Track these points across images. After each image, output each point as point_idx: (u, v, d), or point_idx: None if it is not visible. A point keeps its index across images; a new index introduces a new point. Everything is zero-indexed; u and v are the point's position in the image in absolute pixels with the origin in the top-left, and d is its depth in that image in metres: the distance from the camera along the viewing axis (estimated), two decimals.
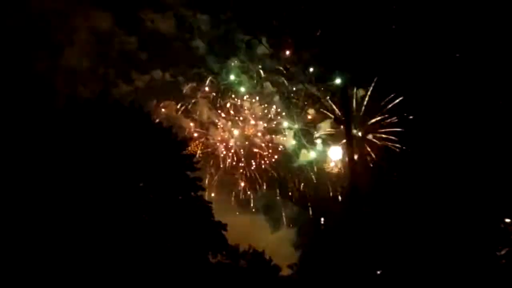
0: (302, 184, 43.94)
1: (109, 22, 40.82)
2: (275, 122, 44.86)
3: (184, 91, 43.72)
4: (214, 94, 44.18)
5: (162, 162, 28.73)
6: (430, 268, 32.53)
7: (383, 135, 41.23)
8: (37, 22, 35.18)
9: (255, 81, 44.76)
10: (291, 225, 41.89)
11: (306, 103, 44.83)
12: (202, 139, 43.52)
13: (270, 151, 44.42)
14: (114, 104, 27.29)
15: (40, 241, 23.79)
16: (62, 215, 24.73)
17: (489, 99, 34.64)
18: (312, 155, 44.03)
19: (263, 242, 37.00)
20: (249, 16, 42.03)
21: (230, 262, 33.58)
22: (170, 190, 29.36)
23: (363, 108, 42.40)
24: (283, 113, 44.99)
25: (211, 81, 43.95)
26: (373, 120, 42.31)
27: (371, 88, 41.99)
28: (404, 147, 39.81)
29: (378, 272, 35.11)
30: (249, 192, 43.82)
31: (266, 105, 45.19)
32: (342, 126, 43.16)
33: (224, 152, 44.12)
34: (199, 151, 42.41)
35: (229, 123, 44.56)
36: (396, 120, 40.87)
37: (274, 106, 45.10)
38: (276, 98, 44.90)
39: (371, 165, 41.20)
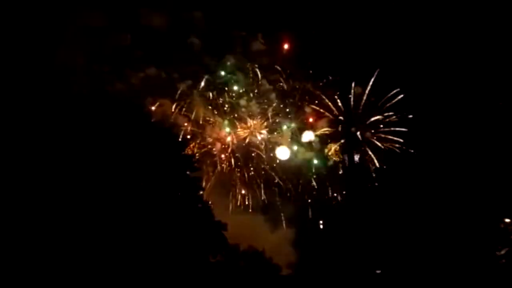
0: (301, 183, 43.78)
1: (102, 19, 40.14)
2: (271, 121, 44.62)
3: (180, 89, 43.23)
4: (210, 92, 43.85)
5: (162, 162, 28.61)
6: (430, 268, 32.60)
7: (382, 135, 41.07)
8: (28, 18, 34.59)
9: (251, 79, 44.48)
10: (290, 225, 41.73)
11: (303, 101, 44.60)
12: (199, 138, 43.12)
13: (268, 150, 44.22)
14: (113, 104, 27.04)
15: (39, 240, 23.58)
16: (61, 214, 24.55)
17: (489, 100, 34.64)
18: (310, 154, 43.87)
19: (262, 242, 36.87)
20: (244, 11, 41.60)
21: (230, 262, 33.47)
22: (170, 190, 29.25)
23: (362, 106, 42.20)
24: (280, 111, 44.76)
25: (207, 79, 43.58)
26: (373, 119, 42.13)
27: (369, 85, 41.77)
28: (404, 147, 39.79)
29: (378, 272, 35.25)
30: (247, 191, 43.61)
31: (262, 103, 44.82)
32: (340, 125, 43.41)
33: (221, 151, 43.89)
34: (196, 150, 42.14)
35: (226, 121, 44.31)
36: (396, 119, 40.77)
37: (271, 104, 44.78)
38: (273, 96, 44.64)
39: (371, 164, 41.13)
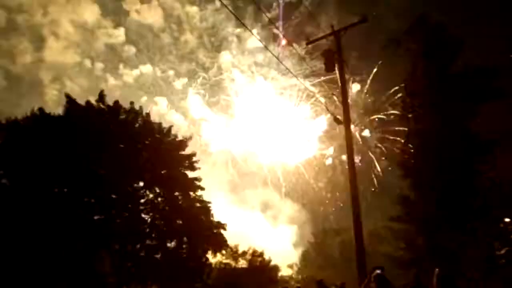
0: (300, 182, 43.79)
1: (94, 14, 39.66)
2: (269, 119, 44.50)
3: (175, 87, 43.02)
4: (206, 90, 43.69)
5: (162, 162, 28.66)
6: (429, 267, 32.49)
7: (382, 135, 41.02)
8: (18, 14, 34.27)
9: (247, 76, 44.33)
10: (289, 224, 41.83)
11: (300, 99, 44.42)
12: (196, 136, 42.84)
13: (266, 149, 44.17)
14: (113, 104, 27.05)
15: (40, 241, 23.72)
16: (61, 214, 24.72)
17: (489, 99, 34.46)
18: (308, 153, 43.81)
19: (262, 241, 37.05)
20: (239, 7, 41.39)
21: (230, 261, 33.52)
22: (170, 190, 29.30)
23: (362, 103, 42.06)
24: (277, 109, 44.67)
25: (202, 77, 43.39)
26: (373, 117, 42.06)
27: (368, 83, 41.66)
28: (403, 146, 39.51)
29: (378, 271, 35.18)
30: (246, 190, 43.61)
31: (259, 101, 44.65)
32: (338, 124, 43.12)
33: (219, 150, 43.81)
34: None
35: (223, 119, 44.21)
36: (396, 117, 40.65)
37: (268, 102, 44.65)
38: (270, 93, 44.55)
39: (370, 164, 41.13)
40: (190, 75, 43.89)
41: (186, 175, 29.08)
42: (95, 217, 26.16)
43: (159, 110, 42.05)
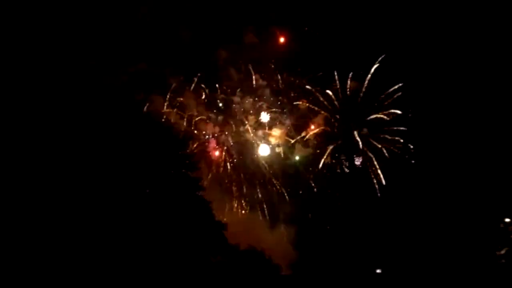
0: (299, 181, 43.51)
1: (87, 11, 38.70)
2: (266, 117, 44.21)
3: (172, 85, 42.63)
4: (203, 87, 43.36)
5: (162, 162, 28.47)
6: (430, 267, 32.66)
7: (381, 135, 40.65)
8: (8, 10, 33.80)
9: (244, 74, 44.00)
10: (289, 223, 41.55)
11: (298, 97, 44.13)
12: (192, 135, 42.57)
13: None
14: (114, 104, 26.86)
15: (41, 241, 23.50)
16: (62, 214, 24.44)
17: (490, 99, 34.59)
18: (306, 151, 43.58)
19: (261, 241, 36.78)
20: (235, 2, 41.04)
21: (230, 262, 33.34)
22: (170, 190, 29.10)
23: (359, 102, 41.71)
24: (274, 108, 44.38)
25: (199, 74, 43.01)
26: (372, 117, 41.69)
27: (367, 80, 41.33)
28: (403, 146, 39.60)
29: (378, 271, 35.30)
30: (245, 190, 43.37)
31: (256, 99, 44.34)
32: (335, 123, 43.05)
33: (216, 149, 43.54)
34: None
35: (220, 118, 43.91)
36: (395, 116, 40.36)
37: (265, 100, 44.34)
38: (267, 91, 44.26)
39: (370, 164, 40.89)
40: (186, 71, 43.01)
41: (186, 175, 28.81)
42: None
43: (156, 108, 41.16)
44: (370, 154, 40.11)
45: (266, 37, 42.99)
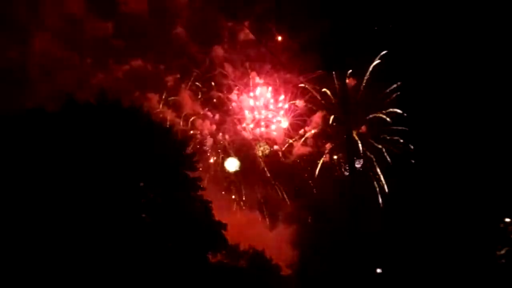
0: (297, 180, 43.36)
1: (80, 6, 38.20)
2: (263, 116, 44.00)
3: (168, 83, 42.33)
4: (199, 85, 43.08)
5: (162, 162, 28.39)
6: (430, 267, 32.68)
7: (381, 135, 40.46)
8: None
9: (241, 72, 43.73)
10: (289, 223, 41.50)
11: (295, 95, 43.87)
12: (189, 133, 42.26)
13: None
14: (114, 103, 26.72)
15: (40, 241, 23.41)
16: (62, 214, 24.31)
17: (490, 99, 34.60)
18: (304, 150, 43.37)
19: (261, 241, 36.76)
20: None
21: (230, 261, 33.39)
22: (170, 190, 29.05)
23: (357, 100, 41.44)
24: (271, 106, 44.17)
25: (195, 72, 42.72)
26: (371, 116, 41.49)
27: (366, 77, 41.10)
28: (403, 146, 39.51)
29: (378, 271, 35.24)
30: (244, 190, 43.23)
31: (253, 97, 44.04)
32: (333, 122, 42.83)
33: (213, 148, 43.26)
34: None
35: (217, 116, 43.68)
36: (395, 116, 40.21)
37: (262, 98, 44.09)
38: (263, 89, 44.02)
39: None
40: (182, 69, 42.64)
41: (187, 175, 28.76)
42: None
43: (151, 106, 40.69)
44: (370, 155, 40.04)
45: (262, 34, 42.72)
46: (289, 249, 38.94)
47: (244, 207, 42.31)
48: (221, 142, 43.43)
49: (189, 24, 42.14)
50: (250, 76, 43.65)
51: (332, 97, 42.50)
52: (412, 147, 38.76)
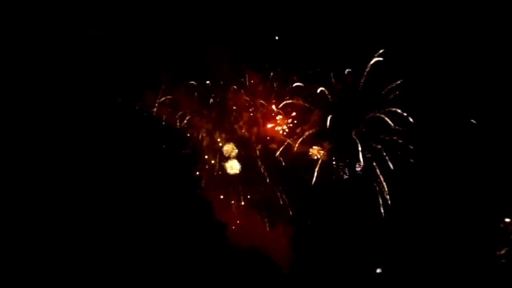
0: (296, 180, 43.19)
1: None
2: (260, 114, 43.88)
3: (163, 81, 42.01)
4: (194, 84, 42.88)
5: (162, 161, 28.36)
6: (429, 267, 32.78)
7: (380, 135, 40.26)
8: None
9: (237, 70, 43.49)
10: (288, 223, 41.41)
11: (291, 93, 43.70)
12: (185, 132, 42.02)
13: (259, 145, 43.59)
14: (114, 103, 26.65)
15: (39, 240, 23.29)
16: (62, 213, 24.27)
17: (490, 99, 34.60)
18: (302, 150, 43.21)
19: (261, 240, 36.72)
20: None
21: (230, 262, 33.31)
22: (170, 189, 28.99)
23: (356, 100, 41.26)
24: (267, 105, 44.01)
25: (191, 71, 42.45)
26: (370, 115, 41.30)
27: (365, 74, 40.88)
28: (402, 146, 39.31)
29: (378, 271, 35.37)
30: (242, 189, 43.12)
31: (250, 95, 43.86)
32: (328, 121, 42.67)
33: (210, 146, 43.13)
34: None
35: (213, 114, 43.55)
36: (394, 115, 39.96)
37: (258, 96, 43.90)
38: (260, 87, 43.89)
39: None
40: (177, 67, 42.34)
41: (187, 175, 28.76)
42: None
43: (145, 104, 40.32)
44: (369, 155, 39.88)
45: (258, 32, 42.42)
46: (289, 249, 38.89)
47: (243, 207, 42.20)
48: (218, 141, 43.29)
49: (184, 21, 41.69)
50: (246, 74, 43.51)
51: (329, 96, 42.37)
52: (411, 147, 38.58)
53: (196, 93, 43.15)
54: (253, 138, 43.43)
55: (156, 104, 41.51)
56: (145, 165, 28.06)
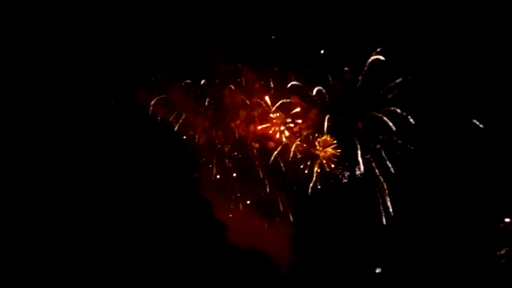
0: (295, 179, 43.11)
1: None
2: (257, 113, 43.69)
3: (159, 79, 41.72)
4: (189, 81, 42.63)
5: (162, 161, 28.19)
6: (429, 267, 32.84)
7: (380, 135, 40.19)
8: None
9: (233, 67, 43.29)
10: (288, 222, 41.37)
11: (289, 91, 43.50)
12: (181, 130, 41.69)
13: (257, 144, 43.43)
14: (114, 103, 26.45)
15: (39, 240, 23.22)
16: (62, 214, 24.15)
17: (490, 99, 34.66)
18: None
19: (260, 240, 36.66)
20: None
21: (230, 262, 33.26)
22: (170, 190, 28.84)
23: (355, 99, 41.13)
24: (265, 104, 43.83)
25: (186, 69, 42.19)
26: (369, 115, 41.22)
27: (363, 73, 40.80)
28: (403, 143, 39.22)
29: (378, 271, 35.41)
30: (241, 188, 42.98)
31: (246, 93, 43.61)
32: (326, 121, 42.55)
33: (207, 145, 42.91)
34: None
35: (209, 112, 43.33)
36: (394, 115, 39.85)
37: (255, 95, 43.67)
38: (256, 85, 43.68)
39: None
40: (172, 65, 41.99)
41: (187, 175, 28.62)
42: None
43: (139, 102, 39.83)
44: (368, 155, 39.84)
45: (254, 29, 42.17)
46: (289, 249, 38.83)
47: (243, 207, 42.07)
48: (215, 140, 43.12)
49: (179, 18, 41.27)
50: (242, 70, 43.26)
51: (327, 96, 42.28)
52: (411, 147, 38.59)
53: (192, 92, 42.95)
54: (250, 137, 43.24)
55: (152, 103, 41.24)
56: (146, 166, 27.90)
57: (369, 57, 40.02)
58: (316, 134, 41.73)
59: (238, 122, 43.26)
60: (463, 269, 31.88)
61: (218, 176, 42.94)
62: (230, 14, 41.40)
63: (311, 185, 40.97)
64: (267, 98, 43.28)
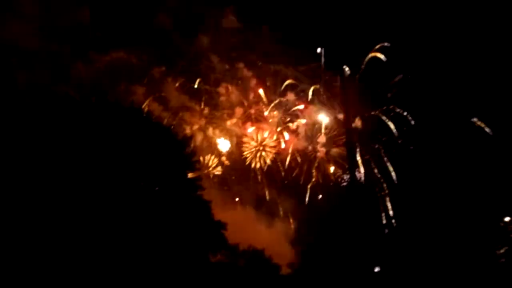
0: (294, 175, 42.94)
1: None
2: (253, 110, 43.46)
3: (153, 75, 41.37)
4: (185, 79, 42.36)
5: (162, 162, 27.97)
6: (429, 266, 32.87)
7: (379, 135, 40.12)
8: None
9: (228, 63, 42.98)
10: (288, 222, 41.29)
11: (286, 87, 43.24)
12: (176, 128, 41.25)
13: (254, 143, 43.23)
14: (114, 104, 26.18)
15: (40, 241, 23.06)
16: (62, 215, 23.87)
17: (490, 99, 34.72)
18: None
19: (260, 240, 36.52)
20: None
21: (230, 261, 33.17)
22: (170, 190, 28.66)
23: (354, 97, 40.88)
24: (261, 100, 43.62)
25: (181, 65, 41.92)
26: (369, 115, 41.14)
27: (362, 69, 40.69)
28: (403, 143, 39.21)
29: (377, 270, 35.43)
30: (239, 188, 42.83)
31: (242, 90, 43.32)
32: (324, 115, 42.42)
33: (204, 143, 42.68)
34: None
35: (205, 110, 43.10)
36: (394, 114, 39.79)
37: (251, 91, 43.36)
38: (253, 82, 43.43)
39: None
40: (167, 61, 41.61)
41: (186, 175, 28.40)
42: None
43: (136, 100, 39.33)
44: (367, 156, 39.82)
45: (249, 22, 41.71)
46: (289, 248, 38.83)
47: (242, 207, 41.95)
48: (212, 137, 42.91)
49: (171, 11, 40.86)
50: (237, 68, 42.96)
51: (323, 93, 42.17)
52: (412, 148, 38.62)
53: (187, 89, 42.73)
54: (247, 135, 43.09)
55: (148, 101, 40.95)
56: (145, 166, 27.68)
57: (367, 55, 40.01)
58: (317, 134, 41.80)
59: (234, 119, 43.09)
60: (463, 268, 31.92)
61: (217, 175, 42.80)
62: (227, 10, 41.26)
63: (310, 184, 41.04)
64: (263, 95, 43.18)
